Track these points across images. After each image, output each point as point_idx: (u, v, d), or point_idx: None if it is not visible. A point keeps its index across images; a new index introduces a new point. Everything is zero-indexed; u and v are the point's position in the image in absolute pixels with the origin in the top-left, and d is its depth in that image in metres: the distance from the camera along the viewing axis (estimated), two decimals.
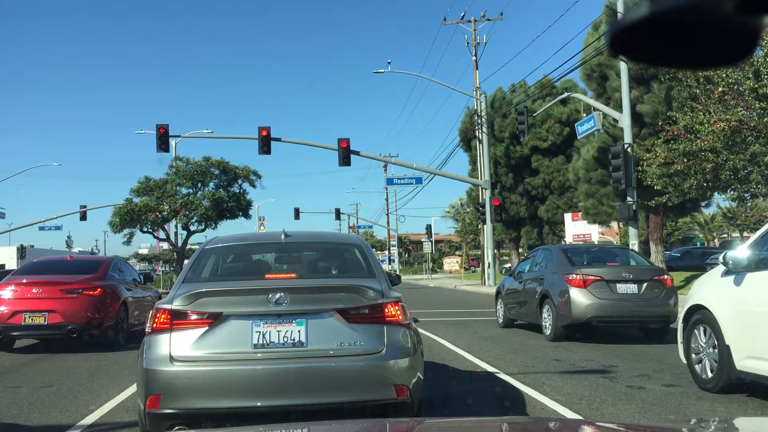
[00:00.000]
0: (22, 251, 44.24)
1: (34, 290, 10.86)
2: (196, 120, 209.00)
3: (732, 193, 18.94)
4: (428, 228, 59.29)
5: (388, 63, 40.81)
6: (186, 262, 6.04)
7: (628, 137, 20.51)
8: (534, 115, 31.29)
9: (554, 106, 32.83)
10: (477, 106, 33.64)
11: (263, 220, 73.02)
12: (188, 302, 4.52)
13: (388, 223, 68.09)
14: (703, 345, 6.76)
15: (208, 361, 4.43)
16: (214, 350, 4.45)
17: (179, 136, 36.72)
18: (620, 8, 19.78)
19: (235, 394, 4.39)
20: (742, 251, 6.31)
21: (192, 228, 44.04)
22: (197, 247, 7.93)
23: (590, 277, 11.01)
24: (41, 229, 52.41)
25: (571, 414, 5.90)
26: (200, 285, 4.79)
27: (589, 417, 5.80)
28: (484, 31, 36.57)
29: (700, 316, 6.84)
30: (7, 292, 10.88)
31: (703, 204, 27.33)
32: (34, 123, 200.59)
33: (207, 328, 4.48)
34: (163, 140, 26.77)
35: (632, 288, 10.98)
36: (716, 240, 60.40)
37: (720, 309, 6.50)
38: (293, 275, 5.28)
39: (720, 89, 16.24)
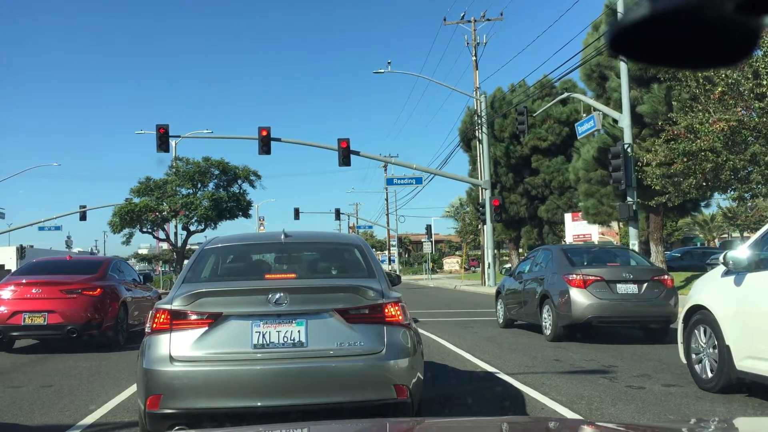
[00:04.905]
0: (21, 251, 44.21)
1: (33, 290, 10.85)
2: (196, 120, 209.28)
3: (732, 193, 18.94)
4: (428, 228, 59.28)
5: (388, 63, 40.88)
6: (186, 262, 6.04)
7: (628, 137, 20.52)
8: (534, 115, 31.29)
9: (554, 106, 32.82)
10: (477, 106, 33.64)
11: (263, 220, 73.15)
12: (188, 302, 4.52)
13: (388, 223, 68.13)
14: (703, 345, 6.76)
15: (208, 361, 4.43)
16: (214, 350, 4.45)
17: (179, 136, 36.73)
18: (620, 8, 19.78)
19: (235, 394, 4.39)
20: (742, 251, 6.31)
21: (192, 228, 44.04)
22: (197, 247, 7.92)
23: (590, 278, 11.01)
24: (41, 229, 52.43)
25: (571, 414, 5.90)
26: (200, 285, 4.79)
27: (589, 417, 5.80)
28: (484, 31, 36.55)
29: (700, 316, 6.84)
30: (7, 292, 10.87)
31: (702, 204, 27.33)
32: (34, 123, 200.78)
33: (207, 328, 4.48)
34: (163, 140, 26.77)
35: (632, 288, 10.98)
36: (716, 240, 60.39)
37: (720, 309, 6.49)
38: (293, 275, 5.28)
39: (720, 89, 16.24)
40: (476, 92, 34.16)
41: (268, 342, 4.47)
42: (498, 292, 14.64)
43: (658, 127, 19.97)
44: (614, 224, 31.89)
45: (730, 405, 6.18)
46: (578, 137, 25.23)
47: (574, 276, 11.06)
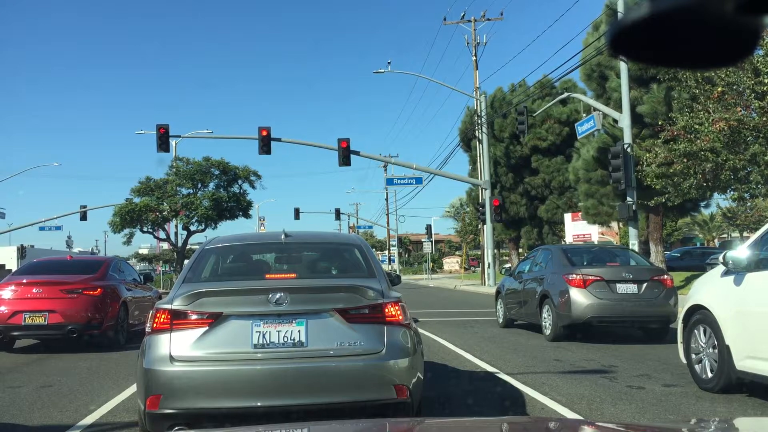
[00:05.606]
0: (22, 251, 44.23)
1: (34, 290, 10.85)
2: (196, 120, 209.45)
3: (732, 193, 18.92)
4: (428, 228, 59.35)
5: (388, 63, 40.95)
6: (186, 262, 6.04)
7: (627, 137, 20.51)
8: (534, 115, 31.27)
9: (554, 106, 32.81)
10: (477, 106, 33.64)
11: (263, 220, 73.08)
12: (188, 302, 4.52)
13: (388, 223, 68.11)
14: (703, 345, 6.76)
15: (208, 361, 4.43)
16: (214, 350, 4.45)
17: (179, 136, 36.70)
18: (620, 8, 19.78)
19: (235, 394, 4.39)
20: (741, 251, 6.31)
21: (192, 228, 44.05)
22: (197, 247, 7.92)
23: (590, 277, 11.01)
24: (41, 229, 52.48)
25: (571, 414, 5.90)
26: (200, 285, 4.79)
27: (589, 417, 5.80)
28: (484, 31, 36.60)
29: (700, 316, 6.84)
30: (7, 292, 10.88)
31: (702, 204, 27.32)
32: (34, 123, 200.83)
33: (207, 328, 4.48)
34: (163, 140, 26.76)
35: (632, 288, 10.98)
36: (716, 240, 60.36)
37: (720, 309, 6.49)
38: (293, 275, 5.27)
39: (719, 89, 16.24)
40: (476, 92, 34.17)
41: (268, 342, 4.47)
42: (498, 292, 14.64)
43: (658, 127, 19.95)
44: (614, 224, 31.89)
45: (730, 405, 6.18)
46: (578, 137, 25.22)
47: (574, 276, 11.06)
